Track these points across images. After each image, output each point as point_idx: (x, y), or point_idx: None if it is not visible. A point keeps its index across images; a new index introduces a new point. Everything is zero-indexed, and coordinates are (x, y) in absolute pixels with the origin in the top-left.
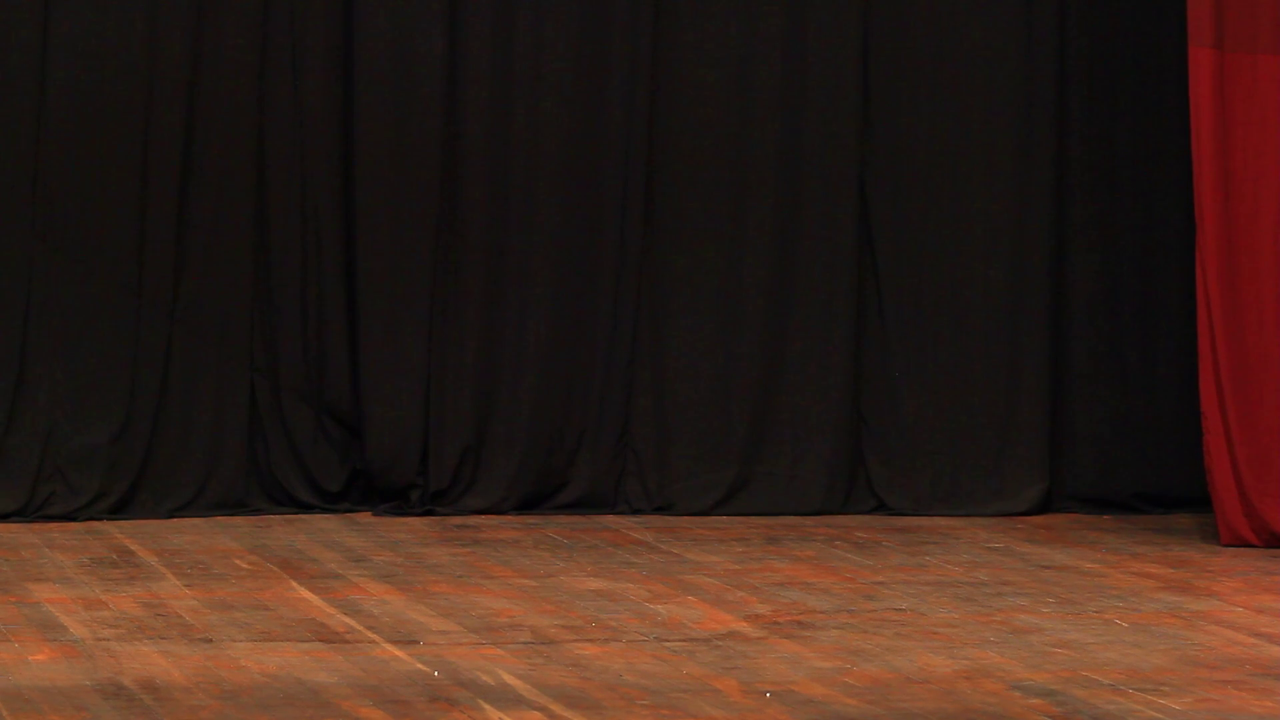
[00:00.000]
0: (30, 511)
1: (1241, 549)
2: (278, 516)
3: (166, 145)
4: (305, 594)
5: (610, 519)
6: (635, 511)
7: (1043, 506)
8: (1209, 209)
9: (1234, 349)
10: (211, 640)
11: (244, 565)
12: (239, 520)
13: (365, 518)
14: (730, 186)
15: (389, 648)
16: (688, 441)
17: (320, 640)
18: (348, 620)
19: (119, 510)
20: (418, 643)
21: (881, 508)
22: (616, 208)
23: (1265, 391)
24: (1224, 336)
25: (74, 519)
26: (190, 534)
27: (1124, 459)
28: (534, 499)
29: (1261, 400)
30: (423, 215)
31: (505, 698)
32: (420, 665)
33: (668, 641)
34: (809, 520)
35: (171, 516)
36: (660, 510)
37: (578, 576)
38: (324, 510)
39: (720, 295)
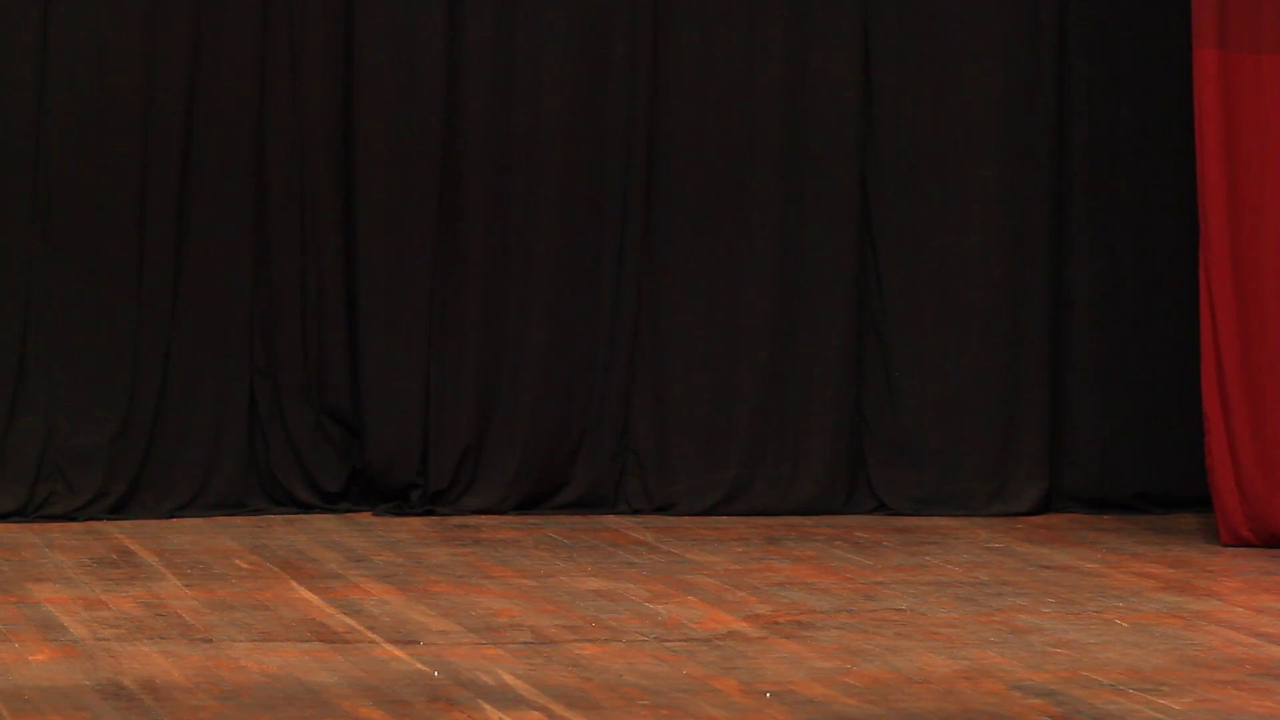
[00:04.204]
0: (30, 511)
1: (1241, 549)
2: (278, 516)
3: (166, 145)
4: (305, 594)
5: (610, 519)
6: (635, 511)
7: (1043, 506)
8: (1212, 208)
9: (1237, 348)
10: (211, 640)
11: (244, 565)
12: (239, 520)
13: (365, 518)
14: (730, 186)
15: (389, 648)
16: (688, 441)
17: (320, 640)
18: (348, 620)
19: (119, 510)
20: (418, 643)
21: (881, 508)
22: (617, 207)
23: (1270, 391)
24: (1227, 336)
25: (74, 519)
26: (190, 534)
27: (1124, 459)
28: (534, 499)
29: (1265, 399)
30: (423, 215)
31: (505, 698)
32: (420, 665)
33: (668, 641)
34: (809, 520)
35: (171, 516)
36: (660, 510)
37: (578, 576)
38: (324, 510)
39: (721, 295)
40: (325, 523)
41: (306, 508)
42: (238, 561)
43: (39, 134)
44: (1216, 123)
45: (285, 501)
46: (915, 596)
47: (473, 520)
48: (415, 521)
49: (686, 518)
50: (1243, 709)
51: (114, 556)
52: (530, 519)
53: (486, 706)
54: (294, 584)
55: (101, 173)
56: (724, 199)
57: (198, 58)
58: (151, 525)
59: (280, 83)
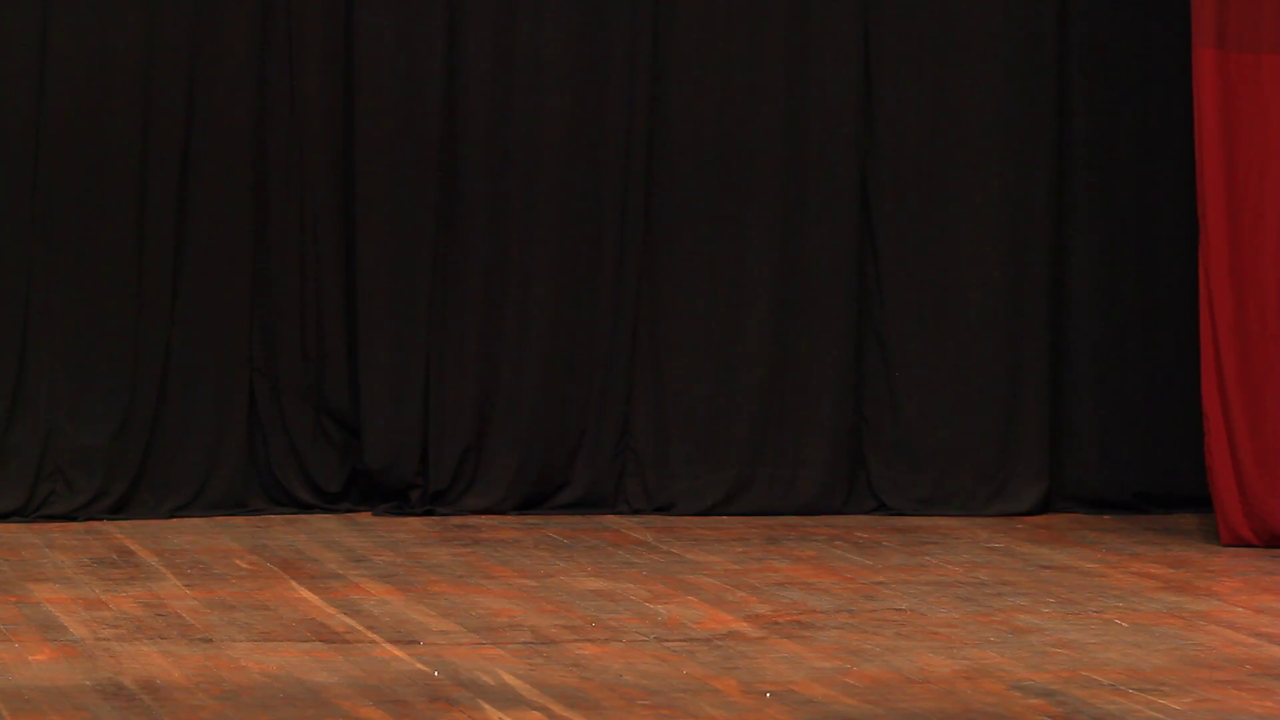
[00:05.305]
0: (30, 511)
1: (1241, 549)
2: (278, 516)
3: (165, 145)
4: (305, 594)
5: (610, 519)
6: (635, 511)
7: (1043, 506)
8: (1212, 208)
9: (1237, 348)
10: (211, 640)
11: (244, 565)
12: (239, 520)
13: (365, 518)
14: (730, 186)
15: (389, 648)
16: (688, 441)
17: (320, 640)
18: (348, 620)
19: (119, 510)
20: (418, 643)
21: (881, 508)
22: (616, 207)
23: (1269, 390)
24: (1226, 336)
25: (74, 519)
26: (190, 534)
27: (1124, 459)
28: (534, 499)
29: (1265, 399)
30: (423, 215)
31: (505, 698)
32: (420, 665)
33: (668, 641)
34: (809, 520)
35: (171, 516)
36: (660, 510)
37: (578, 576)
38: (324, 510)
39: (721, 295)
40: (325, 523)
41: (306, 508)
42: (238, 561)
43: (39, 134)
44: (1216, 123)
45: (285, 501)
46: (915, 596)
47: (473, 520)
48: (415, 521)
49: (686, 518)
50: (1243, 709)
51: (114, 556)
52: (530, 519)
53: (486, 706)
54: (294, 584)
55: (101, 173)
56: (724, 199)
57: (197, 58)
58: (151, 525)
59: (280, 83)
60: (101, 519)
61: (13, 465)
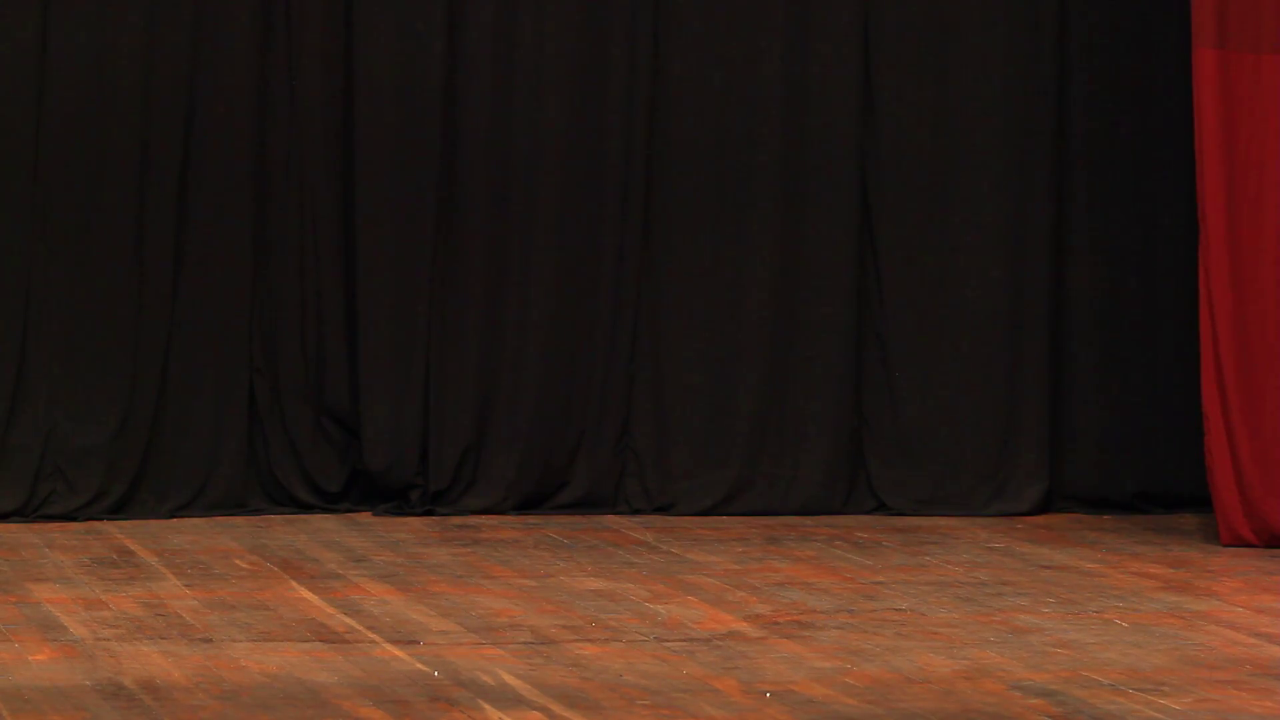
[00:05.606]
0: (30, 511)
1: (1241, 549)
2: (278, 516)
3: (166, 145)
4: (305, 594)
5: (610, 519)
6: (635, 511)
7: (1043, 506)
8: (1212, 209)
9: (1236, 348)
10: (211, 640)
11: (244, 565)
12: (239, 520)
13: (365, 518)
14: (731, 186)
15: (389, 648)
16: (688, 441)
17: (320, 640)
18: (348, 620)
19: (119, 510)
20: (418, 643)
21: (881, 508)
22: (616, 208)
23: (1268, 390)
24: (1226, 336)
25: (74, 519)
26: (190, 534)
27: (1124, 459)
28: (534, 499)
29: (1264, 399)
30: (422, 215)
31: (505, 698)
32: (420, 665)
33: (668, 641)
34: (809, 520)
35: (171, 516)
36: (660, 510)
37: (578, 576)
38: (324, 510)
39: (720, 295)
40: (325, 523)
41: (306, 508)
42: (238, 561)
43: (39, 134)
44: (1216, 123)
45: (285, 501)
46: (915, 596)
47: (473, 520)
48: (415, 521)
49: (686, 518)
50: (1243, 709)
51: (114, 556)
52: (530, 519)
53: (486, 706)
54: (294, 584)
55: (101, 173)
56: (724, 199)
57: (198, 58)
58: (151, 525)
59: (280, 83)
60: (101, 519)
61: (13, 465)
